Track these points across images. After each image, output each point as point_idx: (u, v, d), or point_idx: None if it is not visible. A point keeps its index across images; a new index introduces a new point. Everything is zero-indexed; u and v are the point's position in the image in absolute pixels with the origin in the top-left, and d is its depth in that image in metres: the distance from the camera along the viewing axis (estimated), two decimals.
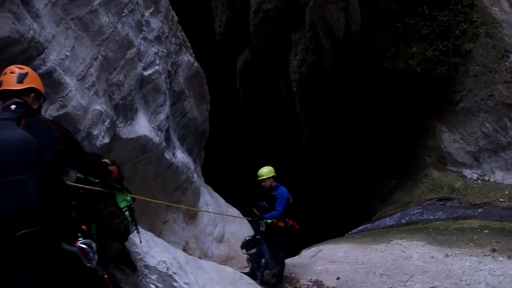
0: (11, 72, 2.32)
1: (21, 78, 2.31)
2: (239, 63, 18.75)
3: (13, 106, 2.18)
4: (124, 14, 4.65)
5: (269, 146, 17.94)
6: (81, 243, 2.08)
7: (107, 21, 4.15)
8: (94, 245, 2.14)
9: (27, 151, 1.93)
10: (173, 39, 7.22)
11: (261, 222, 6.72)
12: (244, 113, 19.17)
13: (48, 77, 3.12)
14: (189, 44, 8.51)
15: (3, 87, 2.27)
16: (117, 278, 3.24)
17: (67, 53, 3.35)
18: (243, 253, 7.07)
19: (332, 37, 13.06)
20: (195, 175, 8.10)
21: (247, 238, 6.94)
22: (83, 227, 2.35)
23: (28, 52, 2.50)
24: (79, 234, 2.20)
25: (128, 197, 3.25)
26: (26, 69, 2.41)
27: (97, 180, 2.96)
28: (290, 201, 6.73)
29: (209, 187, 10.03)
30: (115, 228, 3.17)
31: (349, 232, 10.93)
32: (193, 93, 8.64)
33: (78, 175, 3.04)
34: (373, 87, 12.61)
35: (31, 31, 2.63)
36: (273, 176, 6.87)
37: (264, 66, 17.48)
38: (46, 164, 1.98)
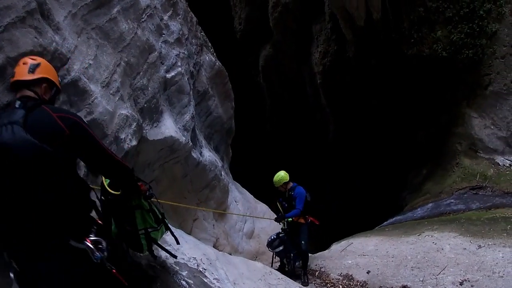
0: (23, 63, 2.27)
1: (33, 69, 2.25)
2: (261, 59, 18.71)
3: (17, 103, 2.13)
4: (143, 20, 4.76)
5: (297, 140, 17.89)
6: (91, 240, 2.08)
7: (127, 28, 4.26)
8: (103, 243, 2.12)
9: (30, 153, 1.92)
10: (193, 40, 7.31)
11: (283, 220, 7.22)
12: (270, 108, 19.16)
13: (73, 86, 3.24)
14: (210, 44, 8.58)
15: (15, 78, 2.23)
16: (148, 274, 3.35)
17: (90, 62, 3.47)
18: (269, 250, 7.44)
19: (353, 26, 12.90)
20: (223, 172, 8.20)
21: (272, 238, 7.32)
22: (99, 221, 2.30)
23: (52, 63, 2.57)
24: (92, 230, 2.16)
25: (149, 219, 2.88)
26: (39, 59, 2.35)
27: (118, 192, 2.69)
28: (308, 199, 7.16)
29: (237, 183, 10.11)
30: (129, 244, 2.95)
31: (380, 225, 10.81)
32: (217, 92, 8.72)
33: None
34: (400, 74, 12.37)
35: (54, 44, 2.74)
36: (286, 181, 7.32)
37: (287, 60, 17.41)
38: (49, 163, 1.98)
